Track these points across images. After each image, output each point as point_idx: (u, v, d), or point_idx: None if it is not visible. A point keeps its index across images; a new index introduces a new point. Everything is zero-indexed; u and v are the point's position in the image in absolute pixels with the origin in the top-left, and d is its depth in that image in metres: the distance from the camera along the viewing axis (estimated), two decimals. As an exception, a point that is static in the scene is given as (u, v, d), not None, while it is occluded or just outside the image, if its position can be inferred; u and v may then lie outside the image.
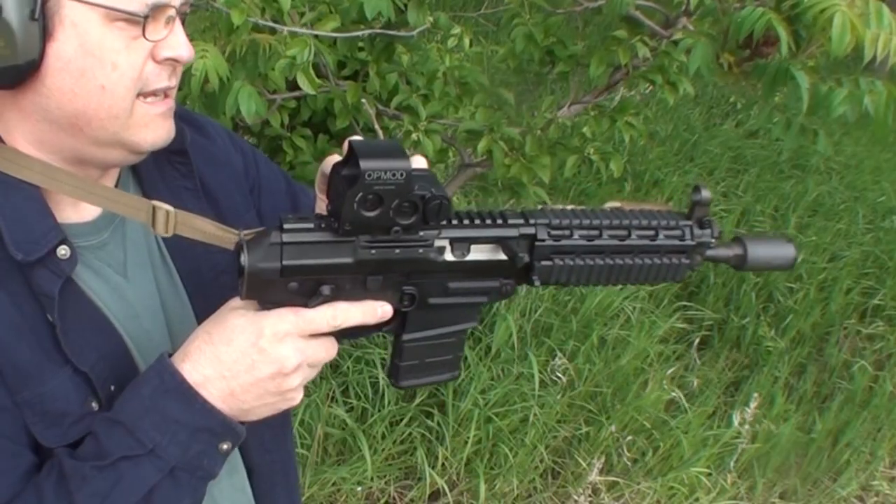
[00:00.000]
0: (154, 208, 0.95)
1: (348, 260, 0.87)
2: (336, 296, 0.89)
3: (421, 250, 0.89)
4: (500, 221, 0.91)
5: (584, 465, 3.06)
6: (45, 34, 0.86)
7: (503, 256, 0.92)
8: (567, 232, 0.93)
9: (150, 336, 1.00)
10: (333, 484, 2.76)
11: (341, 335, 0.92)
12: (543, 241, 0.92)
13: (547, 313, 3.43)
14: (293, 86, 2.20)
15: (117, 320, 0.97)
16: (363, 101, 2.41)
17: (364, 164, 0.81)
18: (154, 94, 0.93)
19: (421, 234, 0.88)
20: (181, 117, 1.03)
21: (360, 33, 2.28)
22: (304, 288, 0.87)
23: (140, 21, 0.88)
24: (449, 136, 2.60)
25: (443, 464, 2.90)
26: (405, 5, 2.26)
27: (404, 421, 2.91)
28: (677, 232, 0.97)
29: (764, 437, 3.46)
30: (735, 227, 4.56)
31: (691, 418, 3.34)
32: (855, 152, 5.97)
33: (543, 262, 0.93)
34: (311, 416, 2.79)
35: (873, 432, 3.79)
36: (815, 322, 4.20)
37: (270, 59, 1.87)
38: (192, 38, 0.98)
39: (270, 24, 1.97)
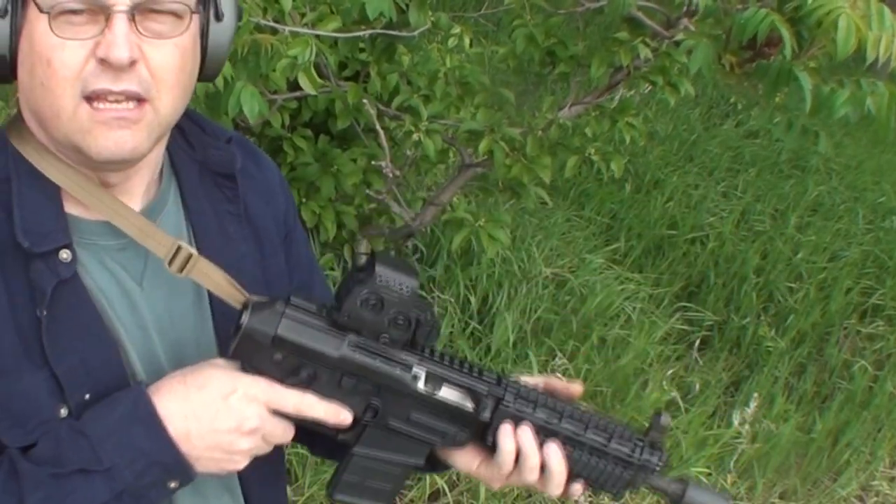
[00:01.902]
0: (179, 248, 0.94)
1: (334, 353, 0.93)
2: (310, 383, 0.94)
3: (398, 370, 0.94)
4: (475, 373, 0.97)
5: (584, 465, 3.06)
6: (15, 32, 0.87)
7: (469, 406, 0.97)
8: (531, 406, 0.99)
9: (152, 350, 0.98)
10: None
11: (299, 422, 0.96)
12: (508, 406, 0.97)
13: (547, 313, 3.43)
14: (294, 86, 2.19)
15: (122, 326, 0.96)
16: (364, 101, 2.41)
17: (379, 268, 0.90)
18: (100, 97, 0.88)
19: (403, 356, 0.94)
20: (238, 144, 1.05)
21: (361, 33, 2.28)
22: (286, 364, 0.92)
23: (41, 9, 0.85)
24: (450, 137, 2.61)
25: (443, 464, 2.89)
26: (406, 5, 2.26)
27: (405, 421, 2.91)
28: (629, 445, 1.02)
29: (764, 437, 3.46)
30: (735, 227, 4.56)
31: (691, 418, 3.34)
32: (855, 152, 5.97)
33: (504, 425, 0.98)
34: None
35: (873, 432, 3.79)
36: (815, 322, 4.20)
37: (272, 60, 1.87)
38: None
39: (272, 24, 1.97)
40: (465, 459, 1.05)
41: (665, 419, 1.03)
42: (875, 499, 3.59)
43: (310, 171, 2.62)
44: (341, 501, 1.03)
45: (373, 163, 2.61)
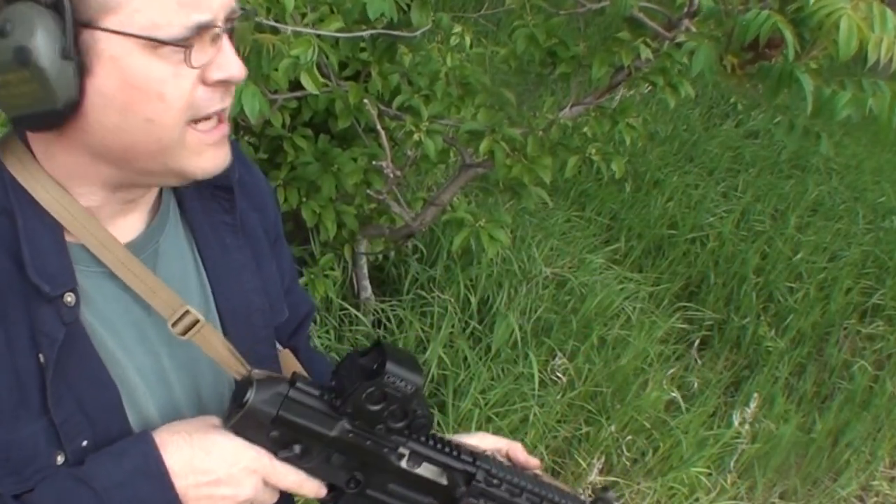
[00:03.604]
0: (186, 312, 0.94)
1: (330, 433, 0.97)
2: (301, 457, 0.98)
3: (386, 450, 1.01)
4: (454, 453, 1.05)
5: (584, 465, 3.06)
6: (83, 71, 0.81)
7: (444, 482, 1.05)
8: (497, 482, 1.07)
9: (164, 377, 0.98)
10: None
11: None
12: (479, 482, 1.06)
13: (547, 313, 3.43)
14: (294, 86, 2.19)
15: (130, 356, 0.94)
16: (365, 101, 2.41)
17: (390, 366, 0.94)
18: (207, 118, 0.88)
19: (393, 437, 1.00)
20: (232, 151, 1.03)
21: (362, 34, 2.28)
22: (282, 440, 0.97)
23: (183, 49, 0.82)
24: (450, 137, 2.61)
25: (443, 464, 2.89)
26: (408, 6, 2.26)
27: (405, 421, 2.91)
28: None
29: (764, 437, 3.46)
30: (735, 227, 4.56)
31: (691, 418, 3.34)
32: (855, 153, 5.97)
33: (471, 500, 1.06)
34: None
35: (873, 432, 3.79)
36: (815, 322, 4.20)
37: (274, 59, 1.87)
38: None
39: (273, 24, 1.96)
40: None
41: (611, 495, 1.14)
42: (875, 499, 3.59)
43: (310, 170, 2.62)
44: None
45: (373, 163, 2.61)
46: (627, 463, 3.15)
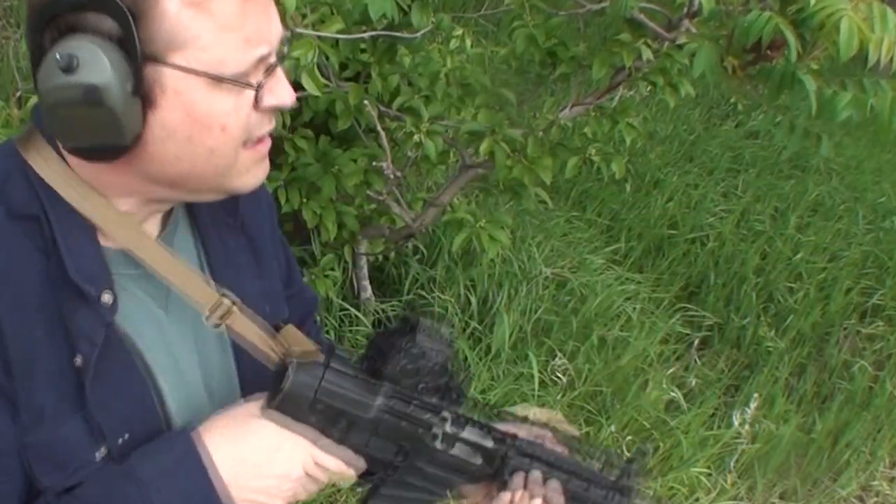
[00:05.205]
0: (221, 300, 0.95)
1: (367, 416, 0.99)
2: (347, 432, 0.99)
3: (421, 430, 1.02)
4: (488, 432, 1.07)
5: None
6: (146, 104, 0.82)
7: (478, 461, 1.07)
8: (528, 461, 1.10)
9: (184, 378, 0.99)
10: (333, 484, 2.76)
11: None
12: (511, 458, 1.09)
13: (547, 313, 3.43)
14: (294, 86, 2.19)
15: (153, 357, 0.95)
16: (365, 102, 2.41)
17: (420, 337, 0.98)
18: (258, 139, 0.90)
19: (427, 417, 1.02)
20: None
21: (363, 35, 2.28)
22: (326, 416, 0.98)
23: (252, 87, 0.84)
24: (451, 138, 2.60)
25: (444, 464, 2.89)
26: (408, 6, 2.25)
27: (405, 421, 2.91)
28: (602, 492, 1.14)
29: (764, 437, 3.46)
30: (735, 227, 4.56)
31: (691, 418, 3.34)
32: (855, 153, 5.96)
33: (507, 477, 1.09)
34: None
35: (873, 432, 3.79)
36: (815, 322, 4.20)
37: (274, 61, 1.86)
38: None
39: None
40: (473, 495, 1.14)
41: (635, 467, 1.14)
42: (875, 499, 3.59)
43: (311, 171, 2.62)
44: None
45: (373, 163, 2.61)
46: (627, 463, 3.14)
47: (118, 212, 0.90)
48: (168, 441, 0.93)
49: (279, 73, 0.89)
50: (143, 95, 0.81)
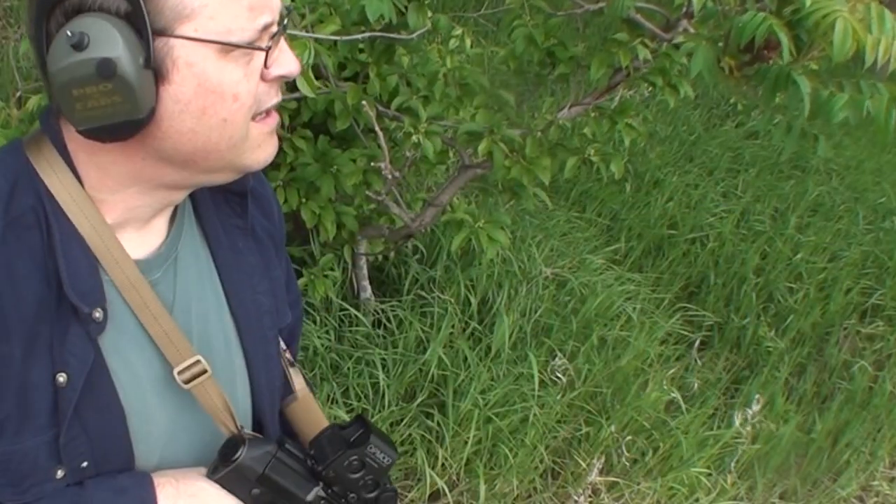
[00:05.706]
0: (197, 361, 0.95)
1: (305, 497, 1.04)
2: None
3: None
4: None
5: (583, 465, 3.07)
6: (158, 80, 0.82)
7: None
8: None
9: (163, 403, 0.98)
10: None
11: None
12: None
13: (547, 313, 3.43)
14: (293, 87, 2.19)
15: (135, 383, 0.94)
16: (363, 102, 2.41)
17: (373, 438, 1.04)
18: (266, 112, 0.91)
19: None
20: None
21: (360, 36, 2.28)
22: (262, 498, 1.02)
23: (262, 50, 0.85)
24: (449, 138, 2.60)
25: (443, 464, 2.90)
26: (406, 7, 2.25)
27: (404, 421, 2.91)
28: None
29: (764, 437, 3.46)
30: (735, 227, 4.56)
31: (691, 419, 3.34)
32: (855, 153, 5.96)
33: None
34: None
35: (873, 432, 3.79)
36: (815, 322, 4.20)
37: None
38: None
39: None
40: None
41: None
42: (875, 499, 3.59)
43: (309, 171, 2.62)
44: None
45: (372, 164, 2.61)
46: (627, 463, 3.15)
47: (121, 246, 0.90)
48: (126, 485, 0.93)
49: (283, 43, 0.89)
50: (155, 70, 0.81)
